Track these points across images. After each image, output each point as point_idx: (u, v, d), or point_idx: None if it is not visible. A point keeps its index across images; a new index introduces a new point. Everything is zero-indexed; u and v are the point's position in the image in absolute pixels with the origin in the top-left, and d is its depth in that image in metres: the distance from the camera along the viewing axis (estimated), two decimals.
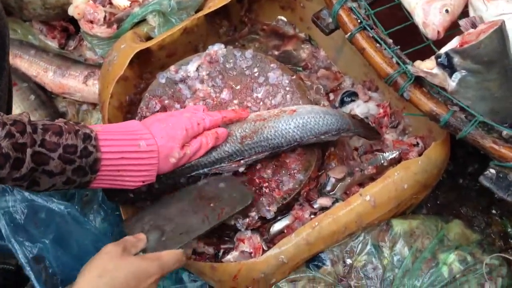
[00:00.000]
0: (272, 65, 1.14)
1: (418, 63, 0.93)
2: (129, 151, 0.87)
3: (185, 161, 0.96)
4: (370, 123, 1.16)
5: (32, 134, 0.78)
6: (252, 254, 1.03)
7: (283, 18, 1.34)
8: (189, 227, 0.92)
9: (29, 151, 0.77)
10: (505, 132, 0.87)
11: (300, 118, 1.01)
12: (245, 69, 1.14)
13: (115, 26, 1.27)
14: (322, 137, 1.02)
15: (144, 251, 0.84)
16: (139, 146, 0.88)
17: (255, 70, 1.14)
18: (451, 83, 0.87)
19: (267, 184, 1.04)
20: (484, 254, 0.99)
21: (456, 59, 0.86)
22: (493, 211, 1.21)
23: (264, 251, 1.01)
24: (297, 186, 1.04)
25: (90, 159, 0.83)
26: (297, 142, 1.01)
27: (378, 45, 0.96)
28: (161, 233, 0.89)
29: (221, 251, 1.08)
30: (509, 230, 1.18)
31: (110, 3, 1.29)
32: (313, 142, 1.03)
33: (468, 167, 1.25)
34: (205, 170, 1.00)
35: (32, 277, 0.74)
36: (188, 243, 0.91)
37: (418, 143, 1.14)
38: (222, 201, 0.97)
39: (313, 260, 0.99)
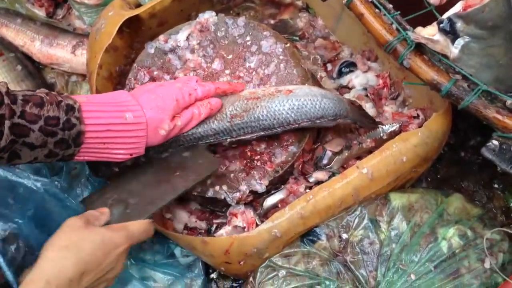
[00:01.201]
0: (265, 33, 1.09)
1: (419, 29, 0.89)
2: (115, 123, 0.83)
3: (176, 132, 0.92)
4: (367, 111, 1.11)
5: (11, 105, 0.75)
6: (245, 229, 1.01)
7: None
8: (154, 197, 0.89)
9: (7, 123, 0.74)
10: (509, 101, 0.83)
11: (296, 100, 0.96)
12: (237, 37, 1.09)
13: None
14: (317, 121, 0.97)
15: (108, 224, 0.81)
16: (125, 118, 0.84)
17: (248, 38, 1.09)
18: (454, 50, 0.83)
19: (258, 157, 1.01)
20: (485, 229, 0.96)
21: (459, 24, 0.81)
22: (495, 185, 1.18)
23: (257, 226, 0.98)
24: (290, 158, 1.00)
25: (73, 131, 0.80)
26: (290, 125, 0.96)
27: (377, 10, 0.91)
28: (124, 206, 0.86)
29: (214, 226, 1.06)
30: (511, 204, 1.15)
31: None
32: (307, 127, 0.99)
33: (470, 140, 1.22)
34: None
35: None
36: (155, 213, 0.88)
37: (418, 115, 1.10)
38: (188, 169, 0.94)
39: (308, 235, 0.96)
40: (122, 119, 0.84)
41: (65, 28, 1.38)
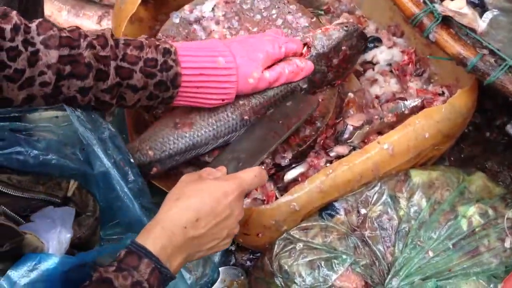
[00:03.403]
0: (291, 6, 1.09)
1: (446, 2, 0.88)
2: (207, 67, 0.87)
3: (265, 85, 0.94)
4: None
5: (114, 48, 0.81)
6: (265, 202, 1.01)
7: None
8: (262, 147, 0.93)
9: (112, 63, 0.80)
10: None
11: None
12: (263, 10, 1.09)
13: None
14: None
15: None
16: (217, 63, 0.88)
17: (273, 11, 1.09)
18: (481, 23, 0.82)
19: None
20: (506, 209, 0.95)
21: None
22: None
23: (277, 199, 0.98)
24: (313, 133, 1.01)
25: (171, 73, 0.85)
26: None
27: None
28: (237, 162, 0.91)
29: None
30: None
31: None
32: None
33: (496, 120, 1.20)
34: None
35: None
36: (263, 160, 0.93)
37: (443, 92, 1.08)
38: (289, 115, 0.97)
39: (326, 209, 0.96)
40: (215, 63, 0.88)
41: None
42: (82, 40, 0.79)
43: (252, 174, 0.83)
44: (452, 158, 1.18)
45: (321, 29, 1.02)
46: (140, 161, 0.95)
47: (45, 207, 0.82)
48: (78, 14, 1.33)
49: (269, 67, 0.95)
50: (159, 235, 0.73)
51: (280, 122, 0.96)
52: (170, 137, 0.95)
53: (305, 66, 0.97)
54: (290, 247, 0.95)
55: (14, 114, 0.82)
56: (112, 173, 0.85)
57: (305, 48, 1.00)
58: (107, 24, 1.32)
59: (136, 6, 1.07)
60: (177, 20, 1.09)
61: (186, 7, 1.09)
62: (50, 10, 1.35)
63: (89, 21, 1.33)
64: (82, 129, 0.84)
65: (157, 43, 0.86)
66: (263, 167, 0.88)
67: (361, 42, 1.05)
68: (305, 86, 0.99)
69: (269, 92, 0.97)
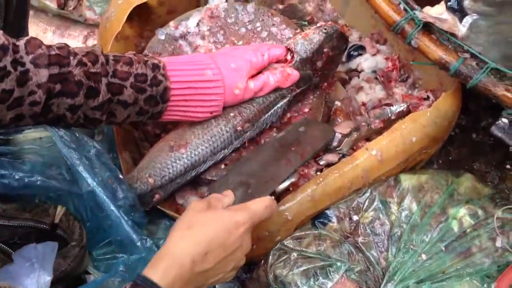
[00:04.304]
0: (275, 19, 1.10)
1: (427, 8, 0.89)
2: (195, 81, 0.88)
3: (250, 95, 0.95)
4: None
5: (105, 64, 0.82)
6: None
7: None
8: (273, 174, 0.92)
9: (104, 80, 0.81)
10: None
11: None
12: (247, 23, 1.10)
13: None
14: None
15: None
16: (205, 76, 0.89)
17: (258, 24, 1.10)
18: (462, 28, 0.83)
19: None
20: (496, 208, 0.96)
21: (467, 2, 0.82)
22: (507, 166, 1.17)
23: None
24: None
25: (160, 88, 0.85)
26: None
27: None
28: (246, 187, 0.89)
29: None
30: None
31: None
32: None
33: (481, 121, 1.21)
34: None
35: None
36: (274, 190, 0.91)
37: (428, 97, 1.10)
38: (303, 142, 0.97)
39: (319, 217, 0.97)
40: (202, 76, 0.89)
41: (76, 19, 1.40)
42: (71, 57, 0.79)
43: (264, 205, 0.81)
44: (440, 161, 1.19)
45: (300, 34, 1.04)
46: (141, 190, 0.94)
47: (27, 245, 0.80)
48: (64, 34, 1.34)
49: (253, 76, 0.96)
50: (168, 269, 0.71)
51: (293, 149, 0.96)
52: (167, 161, 0.94)
53: (291, 73, 0.98)
54: (284, 257, 0.95)
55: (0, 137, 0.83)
56: (98, 192, 0.85)
57: (289, 55, 1.01)
58: (92, 43, 1.32)
59: (121, 24, 1.07)
60: (162, 37, 1.09)
61: (171, 23, 1.10)
62: (35, 31, 1.36)
63: (75, 41, 1.34)
64: (65, 150, 0.83)
65: (146, 58, 0.87)
66: (273, 198, 0.85)
67: (342, 42, 1.07)
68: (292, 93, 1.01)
69: (258, 99, 0.98)
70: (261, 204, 0.81)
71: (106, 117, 0.84)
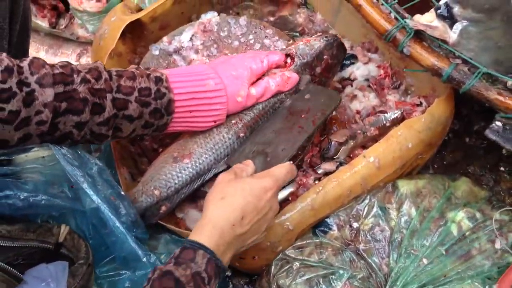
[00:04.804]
0: (267, 31, 1.12)
1: (417, 16, 0.90)
2: (198, 91, 0.89)
3: (252, 102, 0.97)
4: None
5: (108, 80, 0.82)
6: None
7: None
8: (288, 141, 0.95)
9: (109, 96, 0.81)
10: (510, 82, 0.85)
11: None
12: (240, 36, 1.11)
13: (104, 0, 1.24)
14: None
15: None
16: (207, 86, 0.90)
17: (251, 37, 1.11)
18: (452, 34, 0.85)
19: None
20: (493, 210, 0.97)
21: (456, 9, 0.83)
22: (501, 168, 1.18)
23: None
24: (300, 152, 1.02)
25: (164, 100, 0.87)
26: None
27: (375, 0, 0.93)
28: (265, 156, 0.93)
29: None
30: None
31: None
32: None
33: (474, 125, 1.23)
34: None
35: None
36: (292, 155, 0.94)
37: (421, 103, 1.11)
38: (312, 109, 0.99)
39: (319, 226, 0.97)
40: (205, 86, 0.90)
41: (69, 37, 1.40)
42: (75, 75, 0.79)
43: (285, 170, 0.87)
44: (436, 166, 1.20)
45: (302, 41, 1.06)
46: (148, 203, 0.95)
47: (37, 265, 0.81)
48: (56, 53, 1.34)
49: (254, 82, 0.97)
50: (211, 233, 0.77)
51: (303, 116, 0.98)
52: (172, 172, 0.95)
53: (290, 76, 1.00)
54: (287, 267, 0.96)
55: (3, 158, 0.82)
56: (102, 209, 0.85)
57: (289, 59, 1.03)
58: (86, 61, 1.32)
59: (115, 41, 1.08)
60: (156, 52, 1.10)
61: (165, 39, 1.11)
62: (28, 51, 1.35)
63: (68, 59, 1.33)
64: (69, 168, 0.84)
65: (148, 72, 0.88)
66: (291, 162, 0.90)
67: (341, 52, 1.09)
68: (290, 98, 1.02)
69: (258, 105, 0.99)
70: (282, 170, 0.87)
71: (112, 132, 0.85)
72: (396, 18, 0.91)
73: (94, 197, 0.85)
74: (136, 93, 0.84)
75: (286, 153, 0.94)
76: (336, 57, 1.08)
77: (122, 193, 0.90)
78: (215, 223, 0.79)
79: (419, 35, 0.89)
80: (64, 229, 0.85)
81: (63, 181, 0.88)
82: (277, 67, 1.02)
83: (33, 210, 0.85)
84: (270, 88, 0.98)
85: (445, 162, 1.21)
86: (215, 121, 0.94)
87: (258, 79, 0.98)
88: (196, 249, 0.75)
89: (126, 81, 0.84)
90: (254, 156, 0.93)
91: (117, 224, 0.86)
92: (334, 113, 1.09)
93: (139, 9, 1.18)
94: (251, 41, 1.10)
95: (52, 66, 0.79)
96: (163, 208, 0.96)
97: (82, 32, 1.41)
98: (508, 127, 0.85)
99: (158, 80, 0.87)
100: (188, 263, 0.74)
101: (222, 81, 0.92)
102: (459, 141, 1.22)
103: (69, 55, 1.34)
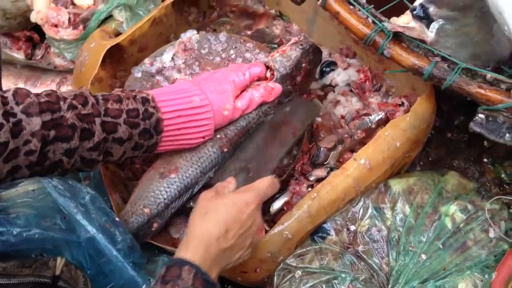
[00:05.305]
0: (248, 44, 1.13)
1: (394, 19, 0.93)
2: (185, 109, 0.90)
3: (238, 114, 0.98)
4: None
5: (95, 104, 0.82)
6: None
7: None
8: (270, 155, 0.97)
9: (97, 120, 0.81)
10: (489, 75, 0.87)
11: None
12: (221, 52, 1.12)
13: (81, 26, 1.23)
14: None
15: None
16: (193, 102, 0.91)
17: (232, 52, 1.12)
18: (430, 34, 0.87)
19: None
20: (483, 201, 1.00)
21: (432, 9, 0.85)
22: (485, 160, 1.21)
23: (267, 232, 0.99)
24: (291, 161, 1.03)
25: (153, 120, 0.87)
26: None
27: (351, 7, 0.95)
28: (247, 172, 0.95)
29: None
30: (502, 175, 1.19)
31: (73, 4, 1.25)
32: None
33: (455, 120, 1.26)
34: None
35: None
36: (274, 168, 0.96)
37: (403, 103, 1.13)
38: (292, 121, 1.00)
39: (317, 232, 0.98)
40: (191, 103, 0.91)
41: (46, 68, 1.39)
42: (62, 102, 0.79)
43: (267, 183, 0.88)
44: (422, 163, 1.22)
45: (278, 52, 1.07)
46: (139, 223, 0.94)
47: None
48: (35, 84, 1.32)
49: (238, 95, 0.98)
50: (196, 248, 0.77)
51: (284, 128, 0.99)
52: (160, 188, 0.95)
53: (273, 86, 1.01)
54: (289, 276, 0.96)
55: None
56: (98, 238, 0.84)
57: (269, 72, 1.04)
58: (66, 89, 1.31)
59: (97, 68, 1.07)
60: (139, 74, 1.10)
61: (146, 61, 1.11)
62: (6, 85, 1.33)
63: (49, 89, 1.32)
64: (61, 199, 0.83)
65: (134, 94, 0.88)
66: (274, 176, 0.92)
67: (317, 55, 1.11)
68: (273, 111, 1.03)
69: (242, 122, 0.99)
70: (264, 183, 0.88)
71: (103, 157, 0.85)
72: (373, 22, 0.93)
73: (89, 227, 0.84)
74: (124, 115, 0.84)
75: (267, 167, 0.96)
76: (314, 62, 1.10)
77: (117, 219, 0.90)
78: (200, 238, 0.79)
79: (397, 37, 0.92)
80: (60, 262, 0.84)
81: (55, 213, 0.87)
82: (259, 79, 1.03)
83: (27, 245, 0.84)
84: (255, 99, 0.99)
85: (430, 159, 1.24)
86: (203, 137, 0.94)
87: (242, 91, 0.99)
88: (182, 266, 0.74)
89: (113, 104, 0.84)
90: (236, 173, 0.95)
91: (114, 252, 0.85)
92: (319, 119, 1.10)
93: (117, 33, 1.18)
94: (232, 56, 1.12)
95: (37, 95, 0.79)
96: (155, 225, 0.96)
97: (59, 61, 1.39)
98: (491, 119, 0.88)
99: (145, 100, 0.87)
100: (175, 280, 0.73)
101: (207, 97, 0.93)
102: (442, 137, 1.25)
103: (48, 85, 1.33)
